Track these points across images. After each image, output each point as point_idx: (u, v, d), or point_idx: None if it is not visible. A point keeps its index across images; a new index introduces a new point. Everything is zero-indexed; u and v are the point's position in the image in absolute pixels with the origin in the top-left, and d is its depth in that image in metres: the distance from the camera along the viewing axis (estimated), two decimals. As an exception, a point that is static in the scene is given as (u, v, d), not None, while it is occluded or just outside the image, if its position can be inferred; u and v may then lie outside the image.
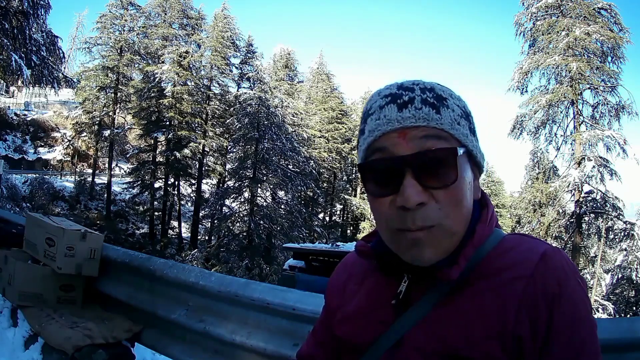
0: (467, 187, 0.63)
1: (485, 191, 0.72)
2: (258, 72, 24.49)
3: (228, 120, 24.78)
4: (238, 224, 22.14)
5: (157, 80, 24.37)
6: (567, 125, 16.98)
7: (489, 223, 0.67)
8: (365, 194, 0.68)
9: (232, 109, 24.91)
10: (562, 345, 0.57)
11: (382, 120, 0.62)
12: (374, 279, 0.73)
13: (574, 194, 16.36)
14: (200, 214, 25.42)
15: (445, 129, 0.61)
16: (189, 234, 26.39)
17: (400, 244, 0.62)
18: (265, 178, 21.62)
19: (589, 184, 16.08)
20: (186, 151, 25.37)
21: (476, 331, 0.60)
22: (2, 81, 21.71)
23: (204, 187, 27.73)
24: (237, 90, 27.14)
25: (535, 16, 17.40)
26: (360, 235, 29.20)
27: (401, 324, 0.66)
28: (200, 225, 26.44)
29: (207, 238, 26.08)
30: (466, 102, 0.68)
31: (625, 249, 21.01)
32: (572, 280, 0.60)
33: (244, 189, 21.97)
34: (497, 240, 0.66)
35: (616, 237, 17.38)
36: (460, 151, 0.61)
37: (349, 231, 32.80)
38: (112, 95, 27.03)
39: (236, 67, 27.57)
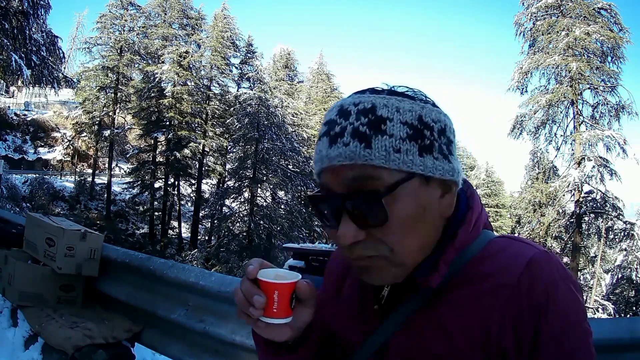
0: (418, 217, 0.58)
1: (475, 190, 0.68)
2: (258, 72, 24.52)
3: (228, 120, 24.78)
4: (238, 224, 22.16)
5: (157, 80, 24.38)
6: (567, 125, 17.01)
7: (474, 226, 0.64)
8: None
9: (232, 109, 24.92)
10: (549, 356, 0.54)
11: (317, 155, 0.60)
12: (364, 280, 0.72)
13: (574, 194, 16.36)
14: (200, 214, 25.42)
15: (375, 165, 0.55)
16: (189, 234, 26.39)
17: (354, 268, 0.63)
18: (265, 178, 21.63)
19: (589, 184, 16.09)
20: (186, 151, 25.38)
21: (458, 341, 0.57)
22: (2, 81, 21.72)
23: (204, 187, 27.73)
24: (237, 90, 27.15)
25: (535, 16, 17.40)
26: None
27: (384, 329, 0.64)
28: (200, 225, 26.44)
29: (207, 238, 26.07)
30: (425, 111, 0.58)
31: (625, 249, 21.03)
32: (562, 287, 0.56)
33: (244, 189, 21.98)
34: (483, 243, 0.63)
35: (616, 237, 17.39)
36: (385, 191, 0.55)
37: (349, 231, 32.72)
38: (112, 95, 27.02)
39: (236, 67, 27.60)
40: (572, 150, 16.63)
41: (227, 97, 26.96)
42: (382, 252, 0.58)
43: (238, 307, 0.61)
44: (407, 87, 0.62)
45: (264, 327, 0.60)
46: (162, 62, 25.60)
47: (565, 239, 17.37)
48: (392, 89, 0.61)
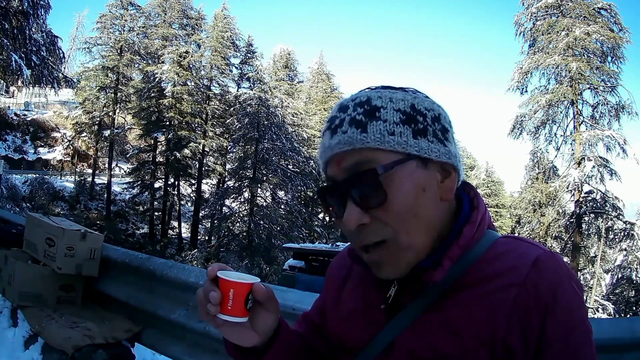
0: (417, 197, 0.60)
1: (478, 192, 0.70)
2: (258, 72, 24.52)
3: (228, 120, 24.79)
4: (238, 224, 22.17)
5: (157, 80, 24.38)
6: (567, 125, 17.01)
7: (479, 225, 0.65)
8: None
9: (232, 109, 24.93)
10: (555, 353, 0.56)
11: (321, 148, 0.65)
12: (369, 280, 0.72)
13: (574, 194, 16.36)
14: (200, 214, 25.42)
15: (371, 147, 0.59)
16: (189, 234, 26.39)
17: (369, 265, 0.65)
18: (265, 178, 21.64)
19: (589, 184, 16.09)
20: (186, 151, 25.38)
21: (464, 339, 0.59)
22: (2, 81, 21.72)
23: (204, 187, 27.73)
24: (237, 90, 27.16)
25: (535, 16, 17.41)
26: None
27: (391, 328, 0.65)
28: (200, 225, 26.44)
29: (207, 238, 26.07)
30: (418, 100, 0.63)
31: (625, 249, 20.99)
32: (567, 286, 0.58)
33: (244, 189, 21.99)
34: (488, 243, 0.64)
35: (616, 237, 17.39)
36: (381, 169, 0.59)
37: (349, 231, 32.72)
38: (112, 95, 27.03)
39: (236, 67, 27.61)
40: (572, 150, 16.64)
41: (227, 97, 26.97)
42: (387, 235, 0.60)
43: (199, 306, 0.65)
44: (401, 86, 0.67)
45: (222, 325, 0.64)
46: (162, 62, 25.61)
47: (565, 239, 17.36)
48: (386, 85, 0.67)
